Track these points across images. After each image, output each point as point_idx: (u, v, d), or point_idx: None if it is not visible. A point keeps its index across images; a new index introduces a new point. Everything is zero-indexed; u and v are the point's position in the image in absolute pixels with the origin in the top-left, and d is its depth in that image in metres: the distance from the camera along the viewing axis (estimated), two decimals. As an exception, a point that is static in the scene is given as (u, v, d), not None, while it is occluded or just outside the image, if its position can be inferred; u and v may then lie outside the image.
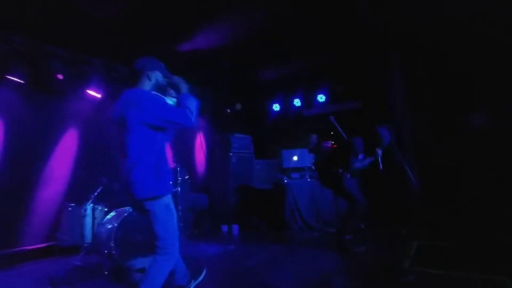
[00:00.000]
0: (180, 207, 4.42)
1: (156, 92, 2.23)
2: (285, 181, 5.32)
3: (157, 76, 2.22)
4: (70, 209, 3.63)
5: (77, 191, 4.26)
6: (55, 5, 3.47)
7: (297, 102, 6.54)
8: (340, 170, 4.18)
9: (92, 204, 3.56)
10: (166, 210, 2.11)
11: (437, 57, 5.12)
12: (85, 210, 3.56)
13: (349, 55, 5.46)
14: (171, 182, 2.25)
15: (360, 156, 4.35)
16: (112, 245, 3.28)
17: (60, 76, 4.23)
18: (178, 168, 4.50)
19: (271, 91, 6.84)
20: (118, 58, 4.96)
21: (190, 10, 3.83)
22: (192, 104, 2.11)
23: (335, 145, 6.13)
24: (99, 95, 4.71)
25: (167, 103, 2.14)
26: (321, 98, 6.20)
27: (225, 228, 5.39)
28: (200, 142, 6.51)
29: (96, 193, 3.63)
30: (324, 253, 3.86)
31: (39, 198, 4.24)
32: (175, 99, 2.29)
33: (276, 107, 6.90)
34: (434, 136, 5.23)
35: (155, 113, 2.02)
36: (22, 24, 3.81)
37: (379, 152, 4.33)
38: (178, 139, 6.11)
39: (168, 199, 2.14)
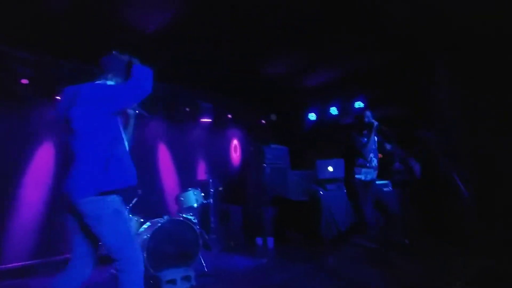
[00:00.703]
0: (212, 219, 4.44)
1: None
2: (321, 193, 5.09)
3: (116, 77, 2.00)
4: (108, 219, 3.81)
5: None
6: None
7: (333, 110, 6.32)
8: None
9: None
10: (114, 213, 1.76)
11: (491, 54, 4.63)
12: (121, 220, 3.71)
13: (388, 58, 5.16)
14: (128, 175, 1.88)
15: (396, 165, 4.03)
16: (145, 255, 3.36)
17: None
18: (210, 180, 4.53)
19: (307, 100, 6.71)
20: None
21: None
22: (141, 72, 1.90)
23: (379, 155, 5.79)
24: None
25: (106, 85, 1.94)
26: (358, 105, 5.92)
27: (260, 241, 5.29)
28: (234, 153, 6.57)
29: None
30: (364, 270, 3.57)
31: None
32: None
33: (312, 116, 6.73)
34: (491, 142, 4.68)
35: (101, 99, 1.79)
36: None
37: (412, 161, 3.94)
38: (211, 150, 6.29)
39: (116, 200, 1.79)
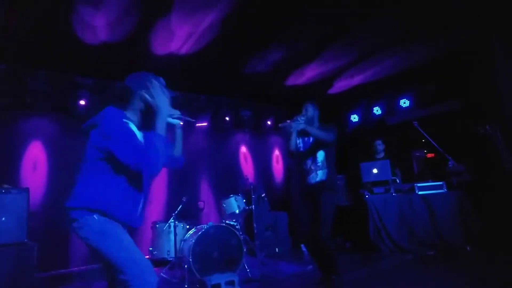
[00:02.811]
0: (255, 225, 4.47)
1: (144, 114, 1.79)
2: (366, 196, 4.86)
3: (147, 95, 1.75)
4: (157, 226, 4.04)
5: (166, 210, 4.78)
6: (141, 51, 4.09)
7: (377, 110, 6.03)
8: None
9: (174, 221, 3.89)
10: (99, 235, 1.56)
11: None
12: (169, 227, 3.92)
13: (438, 49, 4.77)
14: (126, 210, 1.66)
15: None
16: (191, 260, 3.50)
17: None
18: (252, 186, 4.59)
19: (348, 102, 6.49)
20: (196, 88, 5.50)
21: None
22: (159, 146, 1.61)
23: (431, 154, 5.38)
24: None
25: (122, 131, 1.63)
26: (404, 103, 5.58)
27: (305, 247, 5.19)
28: (277, 159, 6.57)
29: (177, 211, 3.97)
30: (418, 281, 3.31)
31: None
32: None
33: (354, 118, 6.49)
34: None
35: (101, 137, 1.59)
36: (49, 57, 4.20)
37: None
38: (253, 157, 6.37)
39: (101, 223, 1.57)
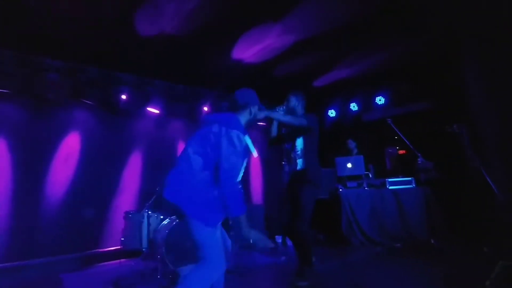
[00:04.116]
0: (231, 216, 4.47)
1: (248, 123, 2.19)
2: (340, 190, 4.98)
3: (255, 111, 2.20)
4: (130, 215, 3.95)
5: (139, 200, 4.68)
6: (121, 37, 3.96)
7: (353, 106, 6.17)
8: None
9: (147, 211, 3.81)
10: None
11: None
12: (142, 217, 3.84)
13: (414, 50, 4.93)
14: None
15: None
16: (164, 250, 3.45)
17: (125, 97, 4.75)
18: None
19: (326, 97, 6.59)
20: (175, 78, 5.42)
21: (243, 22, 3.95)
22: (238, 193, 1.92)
23: (403, 151, 5.58)
24: (157, 111, 5.17)
25: (237, 158, 1.94)
26: (380, 100, 5.74)
27: (279, 239, 5.28)
28: (256, 152, 6.57)
29: (150, 202, 3.89)
30: (386, 271, 3.46)
31: (111, 206, 4.78)
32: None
33: (332, 113, 6.61)
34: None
35: (220, 152, 1.91)
36: (94, 54, 4.41)
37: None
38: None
39: None
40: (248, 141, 2.02)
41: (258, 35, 4.23)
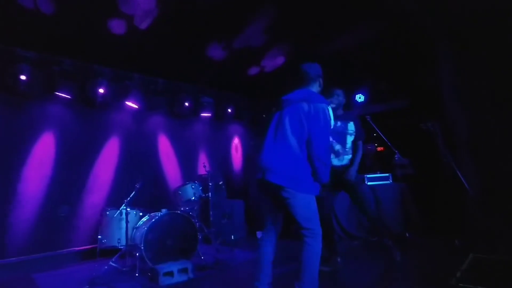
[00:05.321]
0: (211, 213, 4.45)
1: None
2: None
3: (321, 84, 2.41)
4: (107, 213, 3.86)
5: (117, 196, 4.56)
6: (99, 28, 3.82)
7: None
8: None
9: (125, 208, 3.73)
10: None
11: (496, 44, 4.52)
12: (120, 214, 3.76)
13: (391, 50, 5.07)
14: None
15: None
16: (143, 248, 3.39)
17: (102, 91, 4.60)
18: (209, 174, 4.54)
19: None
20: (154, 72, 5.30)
21: (220, 16, 3.90)
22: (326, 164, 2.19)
23: (381, 147, 5.73)
24: (136, 106, 5.04)
25: (329, 131, 2.21)
26: (359, 98, 5.85)
27: (260, 234, 5.28)
28: (235, 148, 6.55)
29: (129, 198, 3.81)
30: (362, 264, 3.56)
31: (86, 203, 4.63)
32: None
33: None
34: (495, 134, 4.58)
35: (319, 127, 2.14)
36: (71, 46, 4.24)
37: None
38: (212, 145, 6.31)
39: None
40: (331, 112, 2.24)
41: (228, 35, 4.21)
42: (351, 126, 3.43)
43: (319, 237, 2.19)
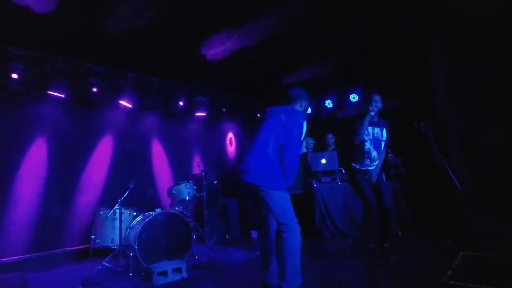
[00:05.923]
0: (206, 212, 4.46)
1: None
2: (314, 185, 5.09)
3: (305, 105, 2.70)
4: (101, 213, 3.84)
5: (111, 196, 4.54)
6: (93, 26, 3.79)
7: (328, 103, 6.30)
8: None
9: (119, 208, 3.72)
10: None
11: (486, 45, 4.58)
12: (114, 213, 3.75)
13: (384, 50, 5.12)
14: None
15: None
16: (136, 247, 3.39)
17: (95, 90, 4.57)
18: (204, 173, 4.54)
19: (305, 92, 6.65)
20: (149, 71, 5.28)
21: (216, 15, 3.90)
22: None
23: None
24: (130, 105, 5.01)
25: (300, 140, 2.50)
26: (353, 98, 5.89)
27: (255, 234, 5.31)
28: (230, 147, 6.55)
29: (123, 198, 3.80)
30: (356, 263, 3.59)
31: (79, 203, 4.60)
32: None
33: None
34: (486, 134, 4.64)
35: (292, 136, 2.41)
36: (64, 44, 4.20)
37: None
38: (207, 144, 6.31)
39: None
40: (305, 125, 2.52)
41: (223, 35, 4.22)
42: (385, 133, 3.55)
43: (295, 231, 2.37)
